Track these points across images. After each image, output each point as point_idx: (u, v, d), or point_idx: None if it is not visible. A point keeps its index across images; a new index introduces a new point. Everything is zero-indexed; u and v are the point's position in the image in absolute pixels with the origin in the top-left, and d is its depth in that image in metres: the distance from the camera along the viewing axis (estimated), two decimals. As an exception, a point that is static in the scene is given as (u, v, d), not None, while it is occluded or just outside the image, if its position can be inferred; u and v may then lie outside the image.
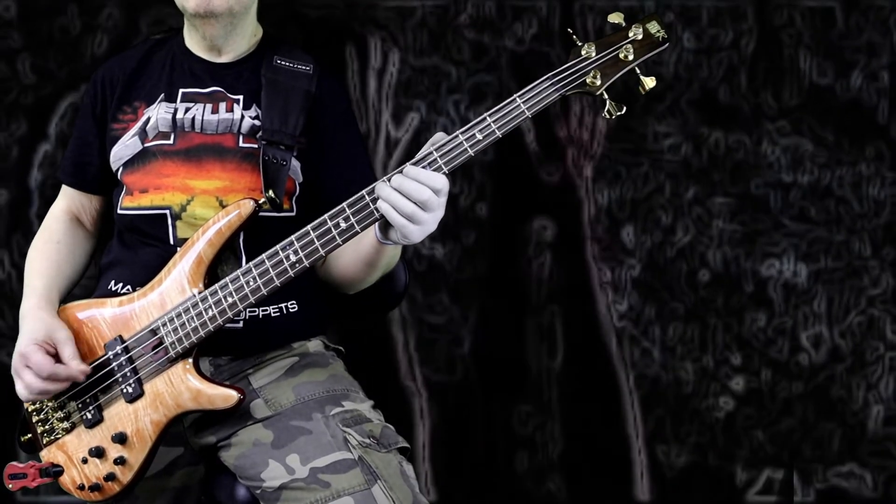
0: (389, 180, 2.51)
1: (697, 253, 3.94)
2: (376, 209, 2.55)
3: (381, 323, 4.12)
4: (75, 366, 2.73)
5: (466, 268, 4.04)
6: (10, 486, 2.79)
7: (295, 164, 2.86)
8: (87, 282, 3.00)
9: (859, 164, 3.92)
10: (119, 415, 2.76)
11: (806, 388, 3.92)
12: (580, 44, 2.56)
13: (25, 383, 2.76)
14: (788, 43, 3.92)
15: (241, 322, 2.80)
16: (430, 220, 2.55)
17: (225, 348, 2.81)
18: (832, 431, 3.92)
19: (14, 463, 2.78)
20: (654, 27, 2.56)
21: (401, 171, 2.51)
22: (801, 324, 3.93)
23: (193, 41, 2.96)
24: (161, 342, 2.72)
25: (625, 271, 3.96)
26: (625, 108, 2.51)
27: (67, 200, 3.06)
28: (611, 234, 3.94)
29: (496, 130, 2.53)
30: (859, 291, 3.92)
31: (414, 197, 2.51)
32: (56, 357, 2.76)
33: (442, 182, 2.52)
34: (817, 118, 3.93)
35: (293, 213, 2.84)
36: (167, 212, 2.84)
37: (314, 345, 2.95)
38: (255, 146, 2.85)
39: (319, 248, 2.61)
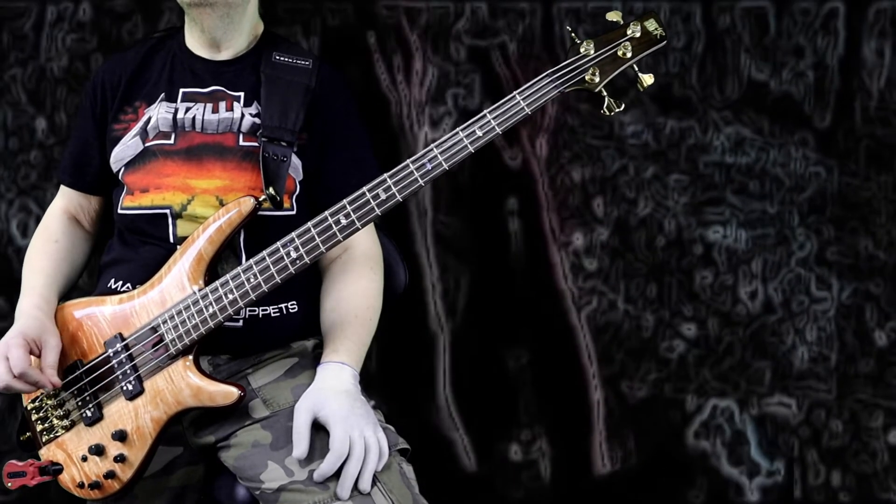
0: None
1: (655, 222, 3.93)
2: None
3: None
4: (49, 374, 2.41)
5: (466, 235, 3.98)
6: (10, 484, 2.45)
7: (296, 161, 2.52)
8: (87, 283, 2.78)
9: (789, 148, 3.89)
10: (119, 412, 2.43)
11: (744, 334, 3.92)
12: (579, 41, 2.32)
13: None
14: (730, 46, 3.87)
15: (241, 321, 2.48)
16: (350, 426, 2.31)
17: (224, 347, 2.51)
18: (765, 368, 3.93)
19: (13, 461, 2.46)
20: (651, 25, 2.33)
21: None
22: (740, 281, 3.92)
23: (193, 38, 2.62)
24: (161, 339, 2.41)
25: (595, 237, 3.93)
26: (623, 106, 2.31)
27: (66, 201, 2.72)
28: (582, 206, 3.91)
29: (496, 127, 2.28)
30: (788, 254, 3.91)
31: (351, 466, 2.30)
32: (38, 359, 2.46)
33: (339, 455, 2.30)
34: (754, 109, 3.91)
35: (293, 212, 2.51)
36: (168, 211, 2.50)
37: (313, 345, 2.61)
38: (256, 145, 2.50)
39: (320, 245, 2.33)
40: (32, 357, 2.44)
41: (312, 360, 2.56)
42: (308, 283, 2.56)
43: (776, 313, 3.93)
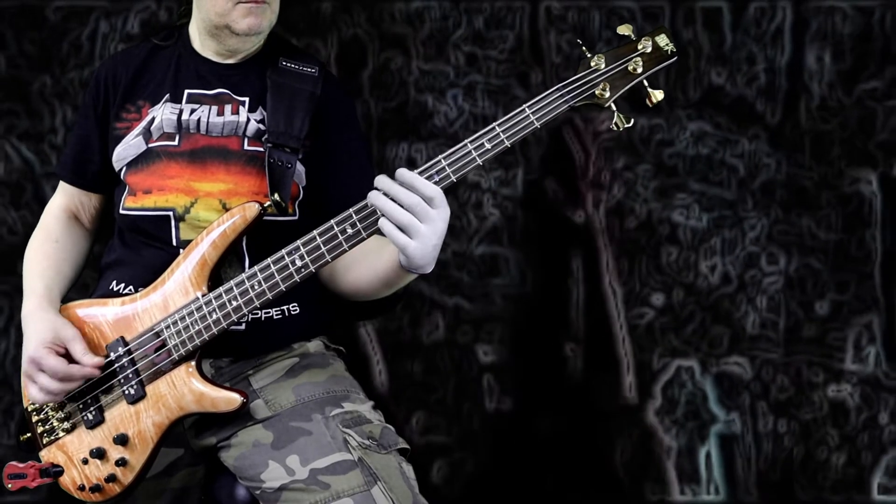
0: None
1: (628, 206, 3.83)
2: (375, 221, 1.92)
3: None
4: (88, 361, 2.13)
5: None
6: (10, 485, 2.18)
7: (300, 167, 2.22)
8: (84, 282, 2.50)
9: (743, 142, 3.81)
10: (121, 416, 2.15)
11: (705, 303, 3.84)
12: (589, 55, 2.05)
13: (41, 386, 2.15)
14: (693, 54, 3.76)
15: (244, 324, 2.22)
16: (428, 234, 1.89)
17: (226, 350, 2.24)
18: (722, 333, 3.85)
19: (14, 462, 2.19)
20: (663, 40, 2.08)
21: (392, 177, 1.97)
22: (702, 257, 3.86)
23: (206, 46, 2.30)
24: (164, 344, 2.12)
25: (576, 221, 3.84)
26: (633, 121, 2.06)
27: (66, 198, 2.42)
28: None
29: (505, 140, 1.97)
30: (743, 234, 3.82)
31: (403, 201, 1.88)
32: (67, 356, 2.16)
33: (433, 191, 1.88)
34: (714, 108, 3.87)
35: (296, 218, 2.24)
36: (170, 213, 2.20)
37: (314, 345, 2.35)
38: (261, 149, 2.20)
39: (326, 254, 2.01)
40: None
41: (314, 360, 2.33)
42: (309, 286, 2.25)
43: (732, 285, 3.87)
